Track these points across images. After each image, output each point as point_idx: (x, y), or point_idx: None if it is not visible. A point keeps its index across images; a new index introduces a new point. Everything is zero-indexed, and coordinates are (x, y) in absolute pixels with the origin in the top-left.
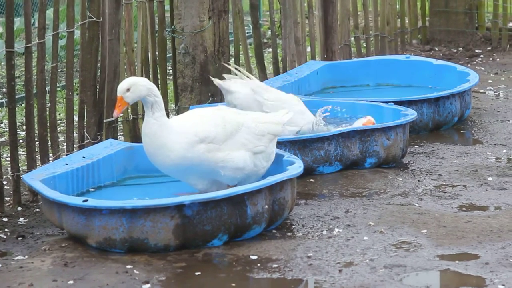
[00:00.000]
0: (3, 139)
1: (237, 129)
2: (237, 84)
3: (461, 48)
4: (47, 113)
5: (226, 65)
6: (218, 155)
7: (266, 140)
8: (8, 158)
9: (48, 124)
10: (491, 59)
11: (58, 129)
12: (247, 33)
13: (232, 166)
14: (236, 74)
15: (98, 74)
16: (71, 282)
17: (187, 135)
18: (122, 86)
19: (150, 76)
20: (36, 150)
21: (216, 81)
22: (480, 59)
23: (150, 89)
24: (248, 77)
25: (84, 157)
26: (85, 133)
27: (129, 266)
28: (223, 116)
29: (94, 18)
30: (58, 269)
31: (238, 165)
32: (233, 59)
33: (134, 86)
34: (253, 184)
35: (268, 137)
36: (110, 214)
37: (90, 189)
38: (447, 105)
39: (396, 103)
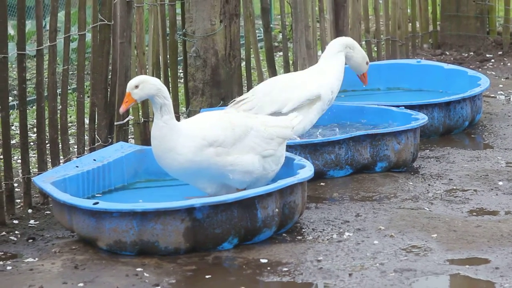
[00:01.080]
0: (14, 141)
1: (246, 133)
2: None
3: (472, 53)
4: (58, 115)
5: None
6: (227, 159)
7: (275, 143)
8: (19, 161)
9: (59, 126)
10: (502, 63)
11: (69, 131)
12: (258, 36)
13: (241, 169)
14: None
15: (109, 77)
16: (81, 284)
17: (195, 139)
18: (131, 83)
19: (161, 79)
20: (47, 152)
21: None
22: (491, 63)
23: (159, 89)
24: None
25: (94, 160)
26: (96, 135)
27: (139, 269)
28: (231, 119)
29: (106, 21)
30: (68, 272)
31: (247, 169)
32: (244, 63)
33: (143, 84)
34: (263, 188)
35: (277, 141)
36: (121, 217)
37: (101, 192)
38: (458, 109)
39: (407, 107)
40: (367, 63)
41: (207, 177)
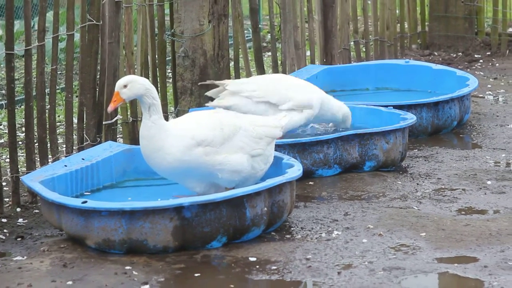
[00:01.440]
0: (2, 140)
1: (234, 132)
2: (226, 98)
3: (460, 53)
4: (47, 115)
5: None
6: (215, 158)
7: (264, 143)
8: (8, 160)
9: (47, 126)
10: (490, 64)
11: (58, 131)
12: (247, 37)
13: (229, 169)
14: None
15: (98, 76)
16: (70, 282)
17: (184, 138)
18: (120, 82)
19: (150, 79)
20: (36, 151)
21: (211, 104)
22: (479, 64)
23: (148, 89)
24: (222, 83)
25: (83, 159)
26: (85, 135)
27: (128, 267)
28: (220, 119)
29: (94, 21)
30: (57, 270)
31: (235, 168)
32: (232, 63)
33: (132, 84)
34: (252, 187)
35: (266, 140)
36: (109, 216)
37: (89, 191)
38: (446, 109)
39: (395, 107)
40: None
41: (196, 177)
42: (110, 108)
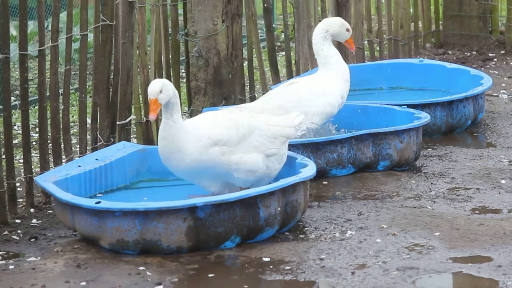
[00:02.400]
0: (16, 141)
1: (250, 132)
2: None
3: (474, 52)
4: (60, 115)
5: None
6: (231, 158)
7: (279, 142)
8: (21, 160)
9: (61, 126)
10: (504, 62)
11: (71, 131)
12: (261, 36)
13: (245, 168)
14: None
15: (111, 77)
16: (83, 283)
17: (201, 138)
18: (155, 89)
19: (164, 79)
20: (49, 152)
21: None
22: (493, 62)
23: (174, 89)
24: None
25: (97, 159)
26: (98, 135)
27: (141, 268)
28: (235, 119)
29: (108, 21)
30: (71, 271)
31: (251, 168)
32: (246, 63)
33: (165, 87)
34: (266, 187)
35: (280, 140)
36: (123, 216)
37: (103, 192)
38: (460, 108)
39: (409, 106)
40: (347, 29)
41: (211, 176)
42: (152, 117)
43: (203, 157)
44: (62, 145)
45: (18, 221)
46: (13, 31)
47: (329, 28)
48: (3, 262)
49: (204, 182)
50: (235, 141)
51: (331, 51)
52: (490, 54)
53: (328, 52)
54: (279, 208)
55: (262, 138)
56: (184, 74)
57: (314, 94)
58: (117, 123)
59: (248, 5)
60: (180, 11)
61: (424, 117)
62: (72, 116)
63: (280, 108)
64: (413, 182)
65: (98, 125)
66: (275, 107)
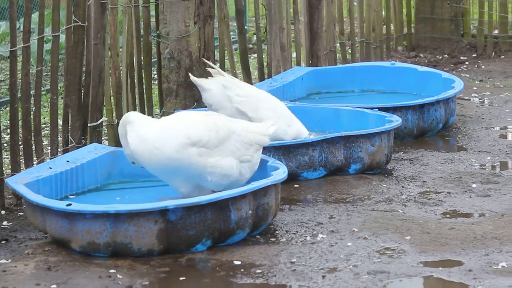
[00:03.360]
0: None
1: (228, 136)
2: (211, 81)
3: (446, 55)
4: (32, 116)
5: (205, 60)
6: (208, 160)
7: (253, 149)
8: None
9: (32, 128)
10: (476, 66)
11: (43, 133)
12: (233, 38)
13: (220, 172)
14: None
15: (83, 78)
16: (54, 286)
17: (177, 137)
18: None
19: (135, 80)
20: (20, 153)
21: (192, 78)
22: (465, 66)
23: None
24: (222, 75)
25: (68, 161)
26: (70, 137)
27: (112, 271)
28: (215, 121)
29: (80, 22)
30: (41, 273)
31: (226, 172)
32: (218, 64)
33: None
34: (237, 189)
35: (255, 147)
36: (94, 218)
37: (74, 194)
38: (431, 111)
39: (381, 109)
40: None
41: (184, 177)
42: None
43: (178, 155)
44: (33, 147)
45: None
46: None
47: None
48: None
49: (175, 182)
50: (214, 144)
51: None
52: (461, 58)
53: None
54: (250, 211)
55: (238, 143)
56: (156, 75)
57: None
58: (89, 125)
59: (220, 6)
60: (152, 12)
61: (396, 120)
62: (44, 118)
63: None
64: (384, 185)
65: (69, 127)
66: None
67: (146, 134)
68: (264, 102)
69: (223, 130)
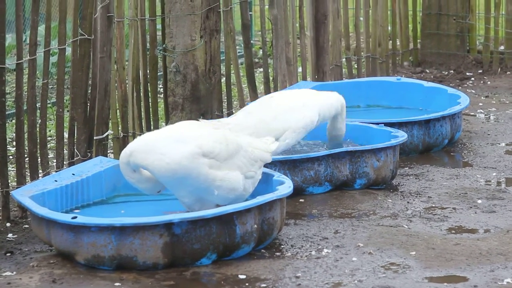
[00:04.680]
0: None
1: (237, 151)
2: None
3: (452, 71)
4: (37, 129)
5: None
6: (217, 173)
7: (257, 166)
8: None
9: (38, 140)
10: (482, 82)
11: (48, 145)
12: (239, 52)
13: (228, 186)
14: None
15: (89, 91)
16: None
17: (189, 145)
18: None
19: (141, 94)
20: (26, 166)
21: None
22: (471, 82)
23: None
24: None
25: (73, 174)
26: (75, 150)
27: (117, 284)
28: (224, 134)
29: (86, 36)
30: (46, 286)
31: (233, 186)
32: (224, 79)
33: None
34: (242, 203)
35: (259, 164)
36: (99, 232)
37: (79, 207)
38: (437, 127)
39: (386, 124)
40: None
41: (190, 188)
42: None
43: (188, 163)
44: (39, 160)
45: None
46: None
47: None
48: None
49: (180, 191)
50: (223, 157)
51: None
52: (467, 73)
53: None
54: (255, 225)
55: (245, 159)
56: (162, 89)
57: (292, 107)
58: (94, 138)
59: (227, 21)
60: (159, 26)
61: (401, 136)
62: (49, 131)
63: (261, 122)
64: (390, 201)
65: (75, 140)
66: (257, 121)
67: (155, 140)
68: (269, 113)
69: (232, 144)
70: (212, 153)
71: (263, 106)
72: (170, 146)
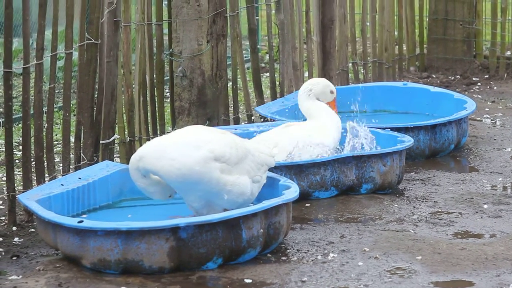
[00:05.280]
0: None
1: (246, 155)
2: None
3: (458, 76)
4: (44, 133)
5: None
6: (228, 178)
7: (263, 170)
8: (4, 178)
9: (44, 144)
10: (488, 87)
11: (55, 149)
12: (245, 57)
13: (237, 191)
14: None
15: (96, 95)
16: None
17: (200, 150)
18: None
19: (148, 98)
20: (32, 170)
21: None
22: (477, 87)
23: None
24: None
25: (80, 178)
26: (82, 154)
27: None
28: (234, 139)
29: (93, 40)
30: None
31: (243, 191)
32: (230, 83)
33: None
34: (248, 208)
35: (264, 168)
36: (105, 236)
37: (86, 211)
38: (443, 132)
39: (393, 129)
40: (331, 91)
41: (200, 192)
42: None
43: (200, 168)
44: (45, 164)
45: (0, 239)
46: None
47: (313, 88)
48: None
49: (189, 196)
50: (234, 161)
51: (314, 105)
52: (474, 78)
53: (311, 106)
54: (261, 230)
55: (253, 163)
56: (168, 94)
57: (311, 143)
58: (101, 142)
59: (233, 25)
60: (165, 30)
61: (408, 141)
62: (56, 135)
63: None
64: (396, 205)
65: (81, 144)
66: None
67: (165, 145)
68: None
69: (241, 149)
70: (224, 157)
71: (279, 134)
72: (180, 151)
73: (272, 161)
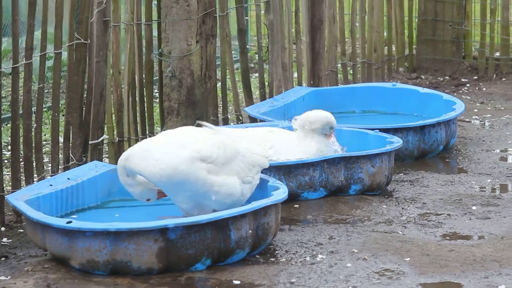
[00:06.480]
0: None
1: (235, 156)
2: None
3: (447, 77)
4: (33, 133)
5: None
6: (215, 179)
7: (255, 171)
8: None
9: (33, 144)
10: (477, 88)
11: (43, 150)
12: (234, 57)
13: (225, 191)
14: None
15: (85, 95)
16: None
17: (186, 150)
18: None
19: (137, 98)
20: (21, 170)
21: None
22: (466, 88)
23: None
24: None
25: (68, 179)
26: (70, 154)
27: None
28: (222, 140)
29: (82, 40)
30: None
31: (231, 192)
32: (219, 84)
33: None
34: (237, 209)
35: (256, 169)
36: (94, 236)
37: (74, 211)
38: (432, 133)
39: (381, 130)
40: (331, 128)
41: (188, 193)
42: None
43: (186, 168)
44: (34, 164)
45: None
46: None
47: (311, 126)
48: None
49: (178, 197)
50: (221, 162)
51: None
52: (463, 79)
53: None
54: (250, 231)
55: (243, 164)
56: (157, 94)
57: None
58: (90, 142)
59: (223, 26)
60: (155, 30)
61: (396, 142)
62: (45, 135)
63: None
64: (384, 207)
65: (70, 144)
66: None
67: (151, 146)
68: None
69: (230, 149)
70: (210, 158)
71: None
72: (165, 152)
73: (266, 162)
